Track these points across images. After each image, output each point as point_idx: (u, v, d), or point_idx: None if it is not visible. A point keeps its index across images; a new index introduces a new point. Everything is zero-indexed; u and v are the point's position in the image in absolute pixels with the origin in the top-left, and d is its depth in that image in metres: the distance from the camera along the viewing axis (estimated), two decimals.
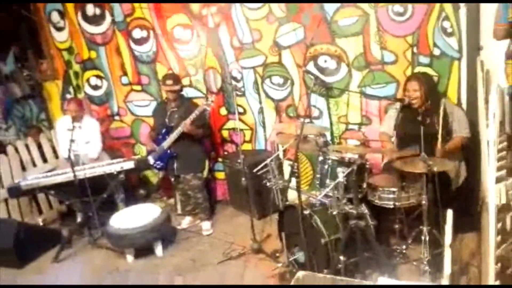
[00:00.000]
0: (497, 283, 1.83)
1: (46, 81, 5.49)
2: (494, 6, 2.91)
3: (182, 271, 3.80)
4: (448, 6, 3.51)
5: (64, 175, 4.36)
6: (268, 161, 3.59)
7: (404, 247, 3.41)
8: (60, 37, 5.26)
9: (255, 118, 4.73)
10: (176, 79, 4.32)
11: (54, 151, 5.36)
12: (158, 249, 4.12)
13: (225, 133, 4.96)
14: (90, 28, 5.09)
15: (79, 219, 4.76)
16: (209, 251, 4.08)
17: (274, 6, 4.18)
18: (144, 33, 4.88)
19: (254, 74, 4.54)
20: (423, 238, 3.06)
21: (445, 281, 1.81)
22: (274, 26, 4.25)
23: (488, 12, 3.21)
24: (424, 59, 3.73)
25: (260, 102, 4.63)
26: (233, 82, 4.60)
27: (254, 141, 4.84)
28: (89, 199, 4.22)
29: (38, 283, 3.87)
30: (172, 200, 5.10)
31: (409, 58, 3.78)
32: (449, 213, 2.11)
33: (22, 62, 5.42)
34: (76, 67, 5.32)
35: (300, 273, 2.12)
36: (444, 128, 3.27)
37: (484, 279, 2.58)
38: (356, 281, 2.07)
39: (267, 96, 4.56)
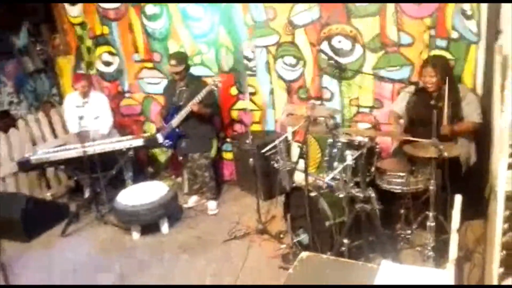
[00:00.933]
0: (502, 269, 1.79)
1: (59, 56, 5.49)
2: None
3: (187, 249, 3.82)
4: None
5: (73, 151, 4.38)
6: (277, 142, 3.55)
7: (409, 232, 3.37)
8: (73, 12, 5.22)
9: (265, 98, 4.67)
10: (181, 59, 4.23)
11: (65, 127, 5.38)
12: (164, 227, 4.14)
13: (234, 113, 4.91)
14: (103, 3, 5.05)
15: (87, 195, 4.80)
16: (214, 230, 4.08)
17: None
18: (157, 9, 4.81)
19: (267, 54, 4.47)
20: (428, 223, 3.01)
21: (450, 266, 1.77)
22: (289, 4, 4.15)
23: None
24: (441, 42, 3.62)
25: (271, 83, 4.57)
26: (245, 61, 4.54)
27: (263, 122, 4.79)
28: (98, 175, 4.25)
29: (46, 258, 3.93)
30: (180, 179, 5.11)
31: (426, 40, 3.67)
32: (458, 198, 2.05)
33: (35, 37, 5.41)
34: (89, 42, 5.29)
35: (304, 254, 2.10)
36: (456, 111, 3.19)
37: (488, 266, 2.53)
38: (360, 264, 2.03)
39: (279, 76, 4.50)
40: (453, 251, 1.73)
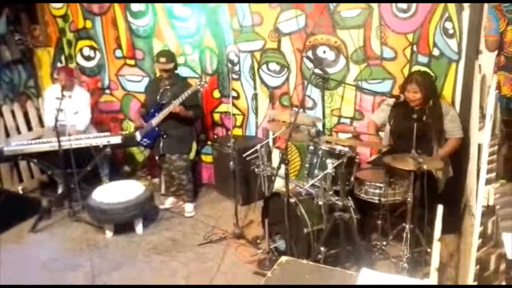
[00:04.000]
0: (475, 283, 1.83)
1: (38, 47, 5.35)
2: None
3: (161, 250, 3.77)
4: (452, 7, 3.48)
5: (48, 144, 4.28)
6: (258, 146, 3.55)
7: (384, 243, 3.41)
8: (56, 4, 5.13)
9: (248, 103, 4.67)
10: (170, 57, 4.20)
11: (40, 120, 5.27)
12: (139, 227, 4.08)
13: (216, 116, 4.89)
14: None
15: (60, 190, 4.69)
16: (190, 233, 4.04)
17: None
18: (142, 6, 4.77)
19: (251, 59, 4.48)
20: (404, 235, 3.07)
21: (434, 274, 1.80)
22: (276, 11, 4.18)
23: None
24: (422, 59, 3.70)
25: (255, 88, 4.58)
26: (230, 65, 4.53)
27: (244, 127, 4.79)
28: (73, 171, 4.15)
29: (15, 253, 3.81)
30: (156, 180, 5.05)
31: (408, 56, 3.75)
32: (439, 208, 2.11)
33: (14, 26, 5.26)
34: (70, 35, 5.19)
35: (284, 258, 2.09)
36: (439, 127, 3.26)
37: (462, 280, 2.59)
38: (339, 270, 2.04)
39: (262, 82, 4.51)
40: (435, 259, 1.76)
